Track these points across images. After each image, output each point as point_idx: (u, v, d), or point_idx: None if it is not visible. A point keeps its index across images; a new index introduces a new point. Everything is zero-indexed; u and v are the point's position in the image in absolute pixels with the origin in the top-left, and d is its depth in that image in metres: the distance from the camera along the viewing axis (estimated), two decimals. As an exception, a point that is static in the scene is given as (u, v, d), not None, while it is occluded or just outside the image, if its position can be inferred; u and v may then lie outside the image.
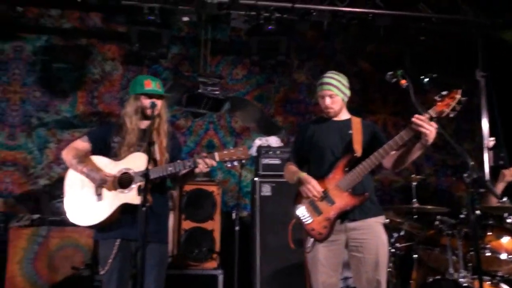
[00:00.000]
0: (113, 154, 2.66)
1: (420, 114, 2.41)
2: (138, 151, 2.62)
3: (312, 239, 2.69)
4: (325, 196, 2.65)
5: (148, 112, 2.64)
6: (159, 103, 2.66)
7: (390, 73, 2.54)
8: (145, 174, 2.39)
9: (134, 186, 2.55)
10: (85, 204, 2.62)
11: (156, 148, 2.58)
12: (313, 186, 2.63)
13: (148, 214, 2.36)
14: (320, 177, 2.70)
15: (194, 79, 5.41)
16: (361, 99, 5.67)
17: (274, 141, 4.32)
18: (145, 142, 2.58)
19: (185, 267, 3.98)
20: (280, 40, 4.59)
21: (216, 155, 2.56)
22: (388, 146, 2.54)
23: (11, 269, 4.12)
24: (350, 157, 2.66)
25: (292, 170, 2.81)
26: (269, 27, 4.46)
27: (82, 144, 2.73)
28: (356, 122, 2.79)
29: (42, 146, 5.29)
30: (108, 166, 2.62)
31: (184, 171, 2.62)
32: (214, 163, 2.56)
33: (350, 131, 2.74)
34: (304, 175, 2.71)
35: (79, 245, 4.23)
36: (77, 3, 4.48)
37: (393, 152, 2.61)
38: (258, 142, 4.28)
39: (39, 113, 5.32)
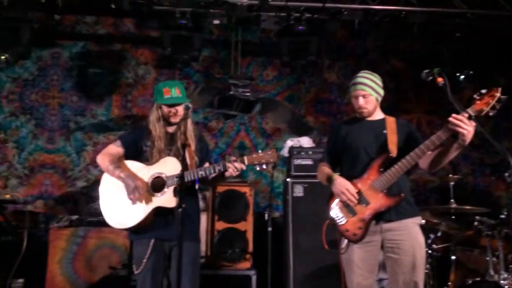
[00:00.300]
0: (145, 158, 2.72)
1: (458, 113, 2.35)
2: (169, 155, 2.68)
3: (346, 240, 2.66)
4: (360, 197, 2.62)
5: (171, 119, 2.72)
6: (179, 109, 2.70)
7: (426, 71, 2.49)
8: (181, 177, 2.44)
9: (167, 190, 2.61)
10: (120, 207, 2.68)
11: (186, 151, 2.59)
12: (348, 190, 2.60)
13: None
14: (354, 177, 2.67)
15: (225, 81, 5.46)
16: (394, 98, 5.57)
17: (306, 141, 4.30)
18: (174, 146, 2.66)
19: (219, 267, 4.01)
20: (310, 40, 4.57)
21: (245, 159, 2.59)
22: (424, 146, 2.49)
23: (51, 268, 4.25)
24: (385, 157, 2.62)
25: (326, 171, 2.79)
26: (300, 27, 4.44)
27: (116, 149, 2.79)
28: (391, 122, 2.75)
29: (79, 149, 5.46)
30: (141, 170, 2.68)
31: (214, 175, 2.66)
32: (243, 167, 2.58)
33: (385, 131, 2.70)
34: (338, 177, 2.69)
35: (116, 245, 4.33)
36: (111, 9, 4.59)
37: (429, 152, 2.55)
38: (289, 143, 4.27)
39: (76, 117, 5.49)
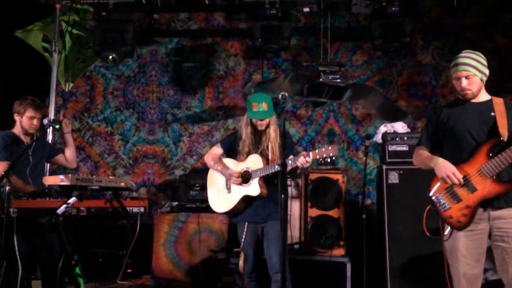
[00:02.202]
0: (238, 156, 3.31)
1: None
2: (255, 153, 3.22)
3: (449, 227, 2.56)
4: (466, 183, 2.50)
5: (258, 128, 3.23)
6: (265, 120, 3.20)
7: None
8: (283, 165, 2.82)
9: (252, 182, 3.16)
10: (219, 195, 3.33)
11: (269, 150, 3.19)
12: (454, 173, 2.49)
13: (265, 201, 3.12)
14: (458, 162, 2.55)
15: (314, 68, 5.45)
16: (497, 78, 5.16)
17: (400, 127, 4.14)
18: (260, 145, 3.23)
19: (313, 253, 4.05)
20: (404, 21, 4.38)
21: (311, 153, 2.94)
22: None
23: (157, 250, 4.59)
24: (495, 141, 2.47)
25: (426, 155, 2.69)
26: (393, 8, 4.28)
27: (217, 150, 3.43)
28: (498, 103, 2.57)
29: (176, 140, 5.80)
30: (233, 166, 3.30)
31: (289, 168, 3.01)
32: (309, 160, 2.93)
33: (493, 113, 2.54)
34: (441, 160, 2.58)
35: (213, 230, 4.56)
36: (204, 4, 4.78)
37: None
38: (383, 128, 4.14)
39: (173, 109, 5.83)
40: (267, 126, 3.23)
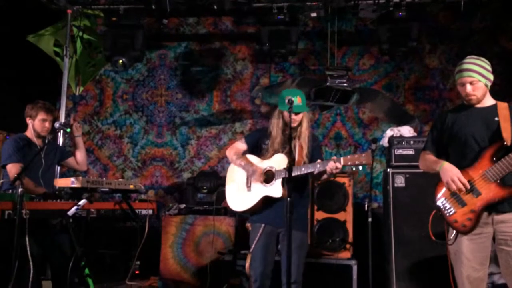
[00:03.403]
0: (263, 154, 3.14)
1: None
2: (282, 152, 3.03)
3: (454, 231, 2.58)
4: (470, 187, 2.52)
5: (293, 124, 2.98)
6: (299, 116, 3.02)
7: None
8: (289, 169, 2.70)
9: (275, 182, 2.97)
10: (239, 193, 3.15)
11: (297, 150, 2.98)
12: (458, 177, 2.52)
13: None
14: (463, 167, 2.57)
15: (321, 72, 5.48)
16: (504, 82, 5.16)
17: (406, 131, 4.16)
18: (287, 145, 2.96)
19: (320, 256, 4.07)
20: (411, 25, 4.40)
21: (342, 159, 2.80)
22: None
23: (164, 252, 4.63)
24: (499, 145, 2.49)
25: (432, 159, 2.72)
26: (399, 13, 4.30)
27: (242, 145, 3.24)
28: (503, 108, 2.59)
29: (184, 143, 5.86)
30: (257, 163, 3.11)
31: (316, 171, 2.91)
32: (340, 166, 2.79)
33: (497, 118, 2.55)
34: (447, 164, 2.60)
35: (220, 232, 4.59)
36: (212, 9, 4.83)
37: None
38: (389, 132, 4.16)
39: (181, 113, 5.89)
40: (299, 124, 3.05)
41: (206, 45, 5.91)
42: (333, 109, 5.44)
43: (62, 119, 4.92)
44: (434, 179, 3.68)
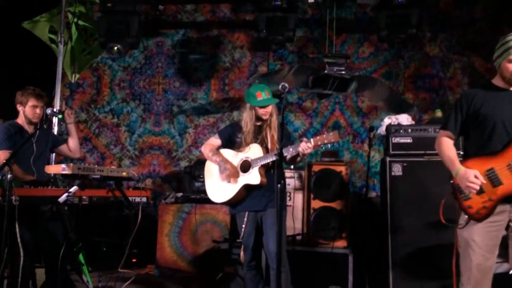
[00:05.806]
0: (237, 147, 3.31)
1: None
2: (256, 143, 3.22)
3: (466, 216, 2.48)
4: (492, 175, 2.41)
5: (263, 117, 3.22)
6: (269, 108, 3.22)
7: None
8: (279, 154, 2.82)
9: (252, 170, 3.16)
10: (218, 185, 3.29)
11: (269, 139, 3.20)
12: (473, 182, 2.37)
13: (265, 190, 3.12)
14: (485, 154, 2.46)
15: (320, 60, 5.41)
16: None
17: (404, 119, 4.09)
18: (260, 136, 3.22)
19: (315, 245, 4.04)
20: (411, 12, 4.31)
21: (312, 140, 2.93)
22: None
23: (161, 240, 4.64)
24: None
25: (450, 156, 2.53)
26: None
27: (215, 140, 3.40)
28: None
29: (182, 131, 5.83)
30: (232, 156, 3.29)
31: (289, 156, 3.07)
32: (310, 146, 2.90)
33: None
34: (462, 170, 2.43)
35: (217, 221, 4.58)
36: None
37: None
38: (387, 120, 4.10)
39: (179, 101, 5.85)
40: (270, 115, 3.23)
41: (204, 32, 5.84)
42: (331, 97, 5.38)
43: (57, 106, 4.88)
44: (432, 169, 3.66)
